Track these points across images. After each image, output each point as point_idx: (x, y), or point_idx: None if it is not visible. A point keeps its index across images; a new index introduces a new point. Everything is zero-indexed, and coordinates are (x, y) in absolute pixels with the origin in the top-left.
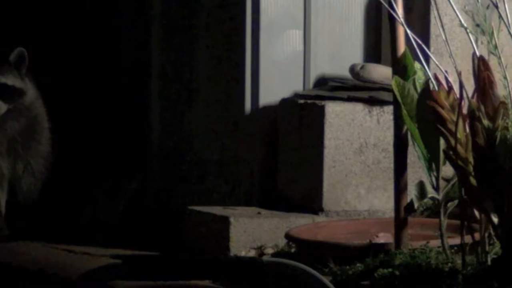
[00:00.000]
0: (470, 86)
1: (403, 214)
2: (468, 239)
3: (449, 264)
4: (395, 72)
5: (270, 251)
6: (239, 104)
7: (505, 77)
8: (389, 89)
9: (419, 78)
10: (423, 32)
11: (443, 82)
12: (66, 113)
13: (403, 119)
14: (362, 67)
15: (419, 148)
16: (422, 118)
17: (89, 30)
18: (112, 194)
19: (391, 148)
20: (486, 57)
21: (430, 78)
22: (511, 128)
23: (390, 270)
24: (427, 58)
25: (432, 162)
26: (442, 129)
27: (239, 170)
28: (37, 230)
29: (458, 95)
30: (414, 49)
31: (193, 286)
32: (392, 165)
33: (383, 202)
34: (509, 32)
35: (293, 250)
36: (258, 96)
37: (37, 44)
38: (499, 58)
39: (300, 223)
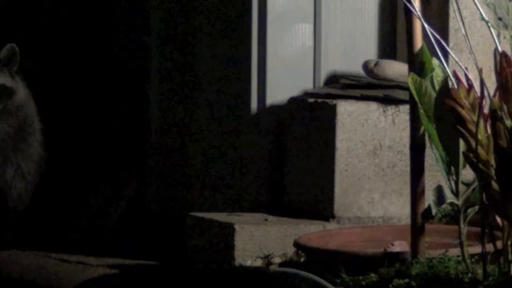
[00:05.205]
0: (491, 84)
1: (420, 220)
2: (489, 247)
3: (470, 275)
4: (411, 69)
5: (277, 260)
6: (245, 103)
7: None
8: (405, 87)
9: (437, 76)
10: (442, 26)
11: (463, 79)
12: (59, 114)
13: (420, 119)
14: (376, 64)
15: (437, 150)
16: (440, 118)
17: (83, 25)
18: (109, 199)
19: (407, 150)
20: (508, 52)
21: (449, 76)
22: None
23: (406, 280)
24: (445, 54)
25: (451, 165)
26: (462, 130)
27: (244, 173)
28: (28, 238)
29: (478, 94)
30: (432, 44)
31: None
32: (408, 169)
33: (398, 208)
34: None
35: (302, 259)
36: (265, 94)
37: (27, 40)
38: None
39: (310, 231)
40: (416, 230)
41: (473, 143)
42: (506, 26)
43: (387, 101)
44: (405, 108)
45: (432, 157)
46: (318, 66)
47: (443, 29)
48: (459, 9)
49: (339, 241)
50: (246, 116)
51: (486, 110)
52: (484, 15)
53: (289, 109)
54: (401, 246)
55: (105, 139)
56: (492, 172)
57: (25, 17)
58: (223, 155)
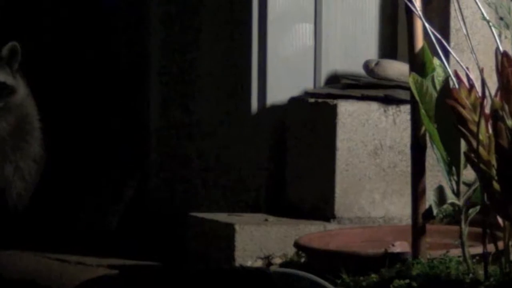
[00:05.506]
0: (493, 84)
1: (421, 221)
2: (491, 248)
3: (471, 275)
4: (412, 69)
5: (278, 260)
6: (245, 103)
7: None
8: (406, 87)
9: (438, 75)
10: (443, 26)
11: (464, 79)
12: (58, 113)
13: (421, 119)
14: (377, 64)
15: (438, 151)
16: (441, 118)
17: (83, 25)
18: (109, 199)
19: (408, 150)
20: (510, 52)
21: (450, 75)
22: None
23: (407, 281)
24: (447, 54)
25: (452, 165)
26: (463, 130)
27: (244, 173)
28: (28, 238)
29: (480, 94)
30: (433, 44)
31: None
32: (409, 169)
33: (399, 208)
34: None
35: (303, 259)
36: (265, 94)
37: (27, 39)
38: None
39: (311, 231)
40: (417, 231)
41: (474, 143)
42: (507, 26)
43: (388, 101)
44: (406, 108)
45: (433, 157)
46: (319, 66)
47: (444, 29)
48: (460, 9)
49: (339, 241)
50: (246, 116)
51: (487, 110)
52: (485, 14)
53: (289, 109)
54: (402, 246)
55: (105, 138)
56: (493, 172)
57: (26, 16)
58: (223, 155)
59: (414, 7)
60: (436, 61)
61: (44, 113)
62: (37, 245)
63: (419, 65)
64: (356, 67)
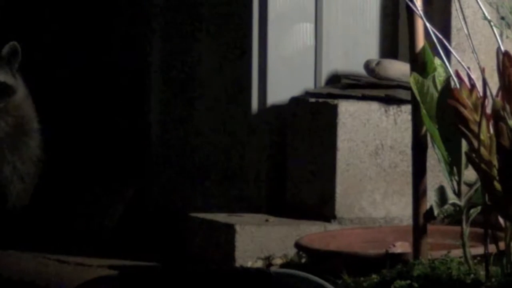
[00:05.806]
0: (494, 84)
1: (422, 221)
2: (492, 248)
3: (472, 276)
4: (413, 69)
5: (278, 261)
6: (245, 103)
7: None
8: (407, 87)
9: (439, 75)
10: (444, 26)
11: (465, 79)
12: (58, 114)
13: (422, 119)
14: (377, 63)
15: (439, 151)
16: (442, 118)
17: (83, 24)
18: (109, 200)
19: (409, 151)
20: (511, 52)
21: (451, 75)
22: None
23: (408, 282)
24: (448, 54)
25: (453, 165)
26: (464, 130)
27: (245, 174)
28: (27, 239)
29: (481, 94)
30: (434, 44)
31: None
32: (410, 169)
33: (400, 209)
34: None
35: (303, 260)
36: (266, 94)
37: (27, 40)
38: None
39: (311, 231)
40: (418, 231)
41: (475, 143)
42: (508, 25)
43: (388, 101)
44: (407, 108)
45: (434, 157)
46: (319, 65)
47: (445, 29)
48: (461, 8)
49: (340, 242)
50: (247, 115)
51: (488, 110)
52: (486, 14)
53: (290, 109)
54: (403, 247)
55: (105, 138)
56: (495, 172)
57: (26, 16)
58: (223, 155)
59: (415, 6)
60: (437, 61)
61: (44, 113)
62: (36, 246)
63: (420, 65)
64: (356, 67)
